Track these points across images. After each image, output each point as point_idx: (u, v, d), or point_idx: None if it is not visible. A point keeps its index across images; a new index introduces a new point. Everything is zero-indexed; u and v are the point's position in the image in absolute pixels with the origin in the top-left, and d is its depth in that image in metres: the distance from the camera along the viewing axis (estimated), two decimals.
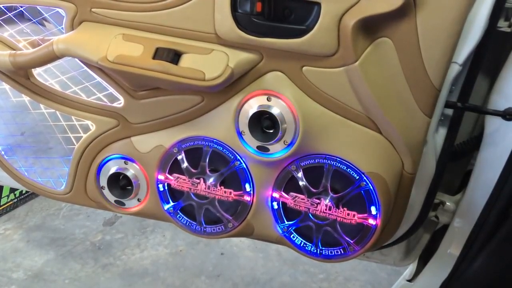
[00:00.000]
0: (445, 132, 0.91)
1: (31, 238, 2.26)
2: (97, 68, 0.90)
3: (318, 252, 0.92)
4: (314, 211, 0.88)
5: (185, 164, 0.94)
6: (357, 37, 0.74)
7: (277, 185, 0.91)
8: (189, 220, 0.99)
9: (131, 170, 1.00)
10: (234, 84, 0.85)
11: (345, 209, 0.87)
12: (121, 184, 1.02)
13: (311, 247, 0.93)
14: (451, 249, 1.06)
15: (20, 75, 0.97)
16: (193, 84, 0.82)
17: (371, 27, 0.75)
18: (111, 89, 0.94)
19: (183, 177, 0.95)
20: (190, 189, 0.95)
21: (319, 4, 0.75)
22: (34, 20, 0.99)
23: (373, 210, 0.85)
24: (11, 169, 1.12)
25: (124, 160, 0.99)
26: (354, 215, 0.86)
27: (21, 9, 0.96)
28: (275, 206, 0.92)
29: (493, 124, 0.90)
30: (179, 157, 0.94)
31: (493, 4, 0.77)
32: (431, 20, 0.74)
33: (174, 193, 0.99)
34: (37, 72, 0.99)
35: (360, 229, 0.88)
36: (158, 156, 0.95)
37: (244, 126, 0.86)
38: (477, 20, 0.78)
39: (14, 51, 0.93)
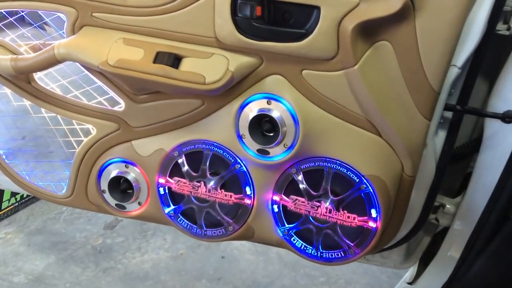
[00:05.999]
0: (445, 135, 0.91)
1: (32, 242, 2.25)
2: (98, 72, 0.90)
3: (319, 255, 0.92)
4: (315, 214, 0.89)
5: (185, 168, 0.94)
6: (356, 41, 0.75)
7: (277, 188, 0.91)
8: (189, 223, 0.99)
9: (132, 174, 1.00)
10: (234, 87, 0.85)
11: (345, 212, 0.87)
12: (121, 188, 1.02)
13: (312, 250, 0.93)
14: (451, 251, 1.06)
15: (21, 80, 0.97)
16: (194, 88, 0.82)
17: (370, 31, 0.75)
18: (112, 93, 0.94)
19: (184, 180, 0.95)
20: (191, 192, 0.95)
21: (318, 8, 0.75)
22: (35, 25, 0.99)
23: (373, 212, 0.85)
24: (12, 173, 1.12)
25: (125, 164, 1.00)
26: (354, 218, 0.87)
27: (22, 13, 0.96)
28: (276, 209, 0.93)
29: (492, 126, 0.91)
30: (180, 161, 0.94)
31: (492, 7, 0.77)
32: (430, 24, 0.74)
33: (174, 197, 0.99)
34: (38, 76, 0.99)
35: (360, 231, 0.88)
36: (159, 159, 0.95)
37: (244, 129, 0.86)
38: (476, 23, 0.78)
39: (15, 56, 0.93)
